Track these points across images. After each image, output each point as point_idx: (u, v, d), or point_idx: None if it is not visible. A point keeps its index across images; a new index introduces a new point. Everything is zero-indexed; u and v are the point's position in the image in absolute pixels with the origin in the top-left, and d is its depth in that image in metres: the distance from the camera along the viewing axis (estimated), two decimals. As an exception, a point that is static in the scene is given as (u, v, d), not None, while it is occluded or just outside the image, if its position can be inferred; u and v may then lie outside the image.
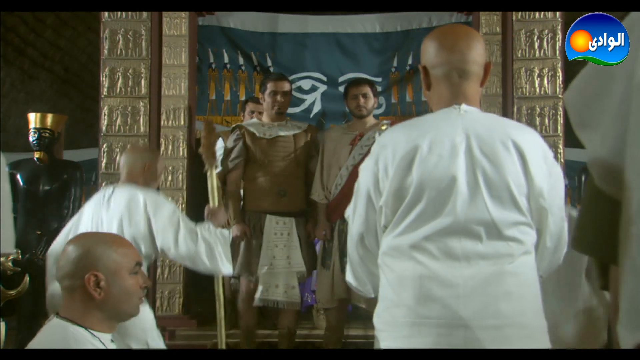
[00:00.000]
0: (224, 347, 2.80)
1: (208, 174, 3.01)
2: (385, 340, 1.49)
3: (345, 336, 3.84)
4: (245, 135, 3.50)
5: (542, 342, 1.47)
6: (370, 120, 3.55)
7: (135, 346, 2.25)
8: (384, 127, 3.35)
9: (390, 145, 1.51)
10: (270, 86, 3.52)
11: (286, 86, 3.58)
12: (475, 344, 1.38)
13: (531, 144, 1.48)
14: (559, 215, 1.51)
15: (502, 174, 1.43)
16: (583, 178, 4.73)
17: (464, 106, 1.51)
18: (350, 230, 1.61)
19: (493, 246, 1.43)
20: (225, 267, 2.53)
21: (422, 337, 1.41)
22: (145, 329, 2.32)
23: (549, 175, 1.49)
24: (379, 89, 5.36)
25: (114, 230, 2.35)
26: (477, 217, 1.43)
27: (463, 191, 1.43)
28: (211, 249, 2.46)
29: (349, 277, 1.65)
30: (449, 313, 1.39)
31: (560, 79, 4.43)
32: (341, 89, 5.42)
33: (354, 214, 1.58)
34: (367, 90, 3.50)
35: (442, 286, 1.41)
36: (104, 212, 2.47)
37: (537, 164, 1.46)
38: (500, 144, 1.45)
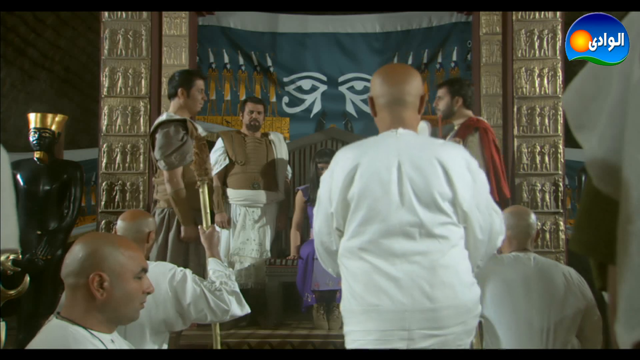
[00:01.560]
0: (219, 347, 2.79)
1: (200, 190, 2.91)
2: (347, 325, 1.85)
3: (344, 336, 3.84)
4: None
5: (473, 319, 1.82)
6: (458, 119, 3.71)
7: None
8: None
9: (340, 162, 1.87)
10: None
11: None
12: (416, 324, 1.72)
13: (454, 158, 1.82)
14: (486, 212, 1.85)
15: (427, 184, 1.76)
16: (583, 178, 4.74)
17: (400, 130, 1.85)
18: (314, 229, 2.01)
19: (425, 244, 1.76)
20: (246, 307, 2.51)
21: (373, 321, 1.75)
22: None
23: (473, 182, 1.82)
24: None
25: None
26: (410, 221, 1.76)
27: (395, 200, 1.76)
28: (238, 296, 2.46)
29: (322, 263, 2.05)
30: (393, 301, 1.73)
31: (560, 79, 4.43)
32: (341, 89, 5.43)
33: (317, 217, 1.94)
34: (440, 92, 3.73)
35: (387, 279, 1.74)
36: None
37: (459, 174, 1.79)
38: (427, 161, 1.79)
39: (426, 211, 1.76)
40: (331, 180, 1.86)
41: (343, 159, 1.86)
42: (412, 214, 1.76)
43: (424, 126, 3.00)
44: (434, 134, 2.85)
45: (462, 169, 1.82)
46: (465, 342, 1.83)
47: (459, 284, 1.78)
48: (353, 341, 1.83)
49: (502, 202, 3.62)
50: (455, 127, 3.76)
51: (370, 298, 1.76)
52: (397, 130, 1.86)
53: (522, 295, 2.36)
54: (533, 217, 2.56)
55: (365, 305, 1.76)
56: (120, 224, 2.44)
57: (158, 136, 3.53)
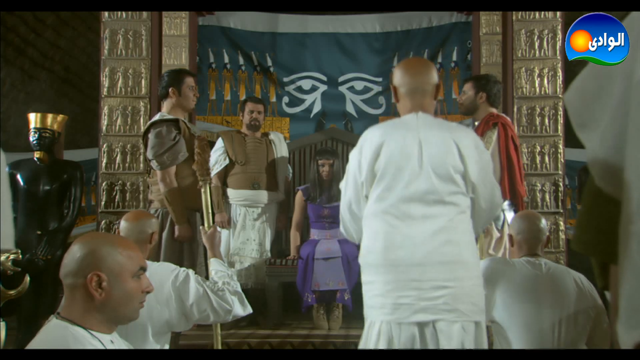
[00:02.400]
0: (219, 347, 2.79)
1: (202, 190, 2.91)
2: (366, 275, 2.15)
3: (344, 336, 3.85)
4: None
5: (475, 272, 2.12)
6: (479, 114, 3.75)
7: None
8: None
9: (368, 139, 2.18)
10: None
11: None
12: (427, 276, 2.01)
13: (465, 138, 2.16)
14: (489, 185, 2.19)
15: (443, 159, 2.10)
16: (583, 178, 4.74)
17: (420, 113, 2.18)
18: (343, 199, 2.26)
19: (438, 209, 2.08)
20: (248, 307, 2.51)
21: (390, 273, 2.05)
22: None
23: (480, 160, 2.16)
24: (379, 89, 5.38)
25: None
26: (426, 189, 2.08)
27: (415, 171, 2.09)
28: (240, 296, 2.46)
29: (341, 229, 2.33)
30: (408, 255, 2.04)
31: (561, 79, 4.43)
32: (341, 89, 5.43)
33: (345, 188, 2.24)
34: (465, 86, 3.80)
35: (403, 237, 2.06)
36: None
37: (469, 152, 2.12)
38: (443, 139, 2.12)
39: (440, 181, 2.08)
40: (360, 155, 2.17)
41: (371, 137, 2.18)
42: (429, 183, 2.08)
43: None
44: None
45: (472, 148, 2.15)
46: (478, 305, 2.06)
47: (463, 243, 2.09)
48: (370, 290, 2.12)
49: (516, 201, 3.60)
50: (476, 123, 3.75)
51: (388, 253, 2.07)
52: (418, 113, 2.19)
53: (533, 300, 2.35)
54: (544, 221, 2.55)
55: (384, 260, 2.07)
56: (123, 224, 2.44)
57: (150, 136, 3.53)
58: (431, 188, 2.08)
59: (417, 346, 2.00)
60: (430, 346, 1.99)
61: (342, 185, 2.27)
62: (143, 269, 1.61)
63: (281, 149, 4.48)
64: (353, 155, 2.23)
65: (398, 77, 2.25)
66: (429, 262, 2.03)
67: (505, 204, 3.55)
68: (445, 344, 1.98)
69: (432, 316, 2.00)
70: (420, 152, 2.10)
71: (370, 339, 2.07)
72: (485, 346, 2.11)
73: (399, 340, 2.01)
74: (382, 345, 2.04)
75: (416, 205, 2.08)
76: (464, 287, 2.04)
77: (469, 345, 2.01)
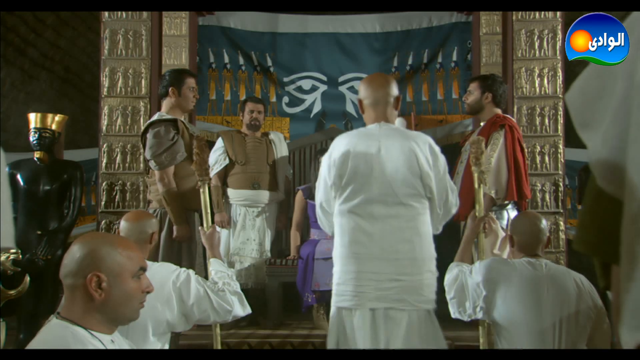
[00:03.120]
0: (219, 347, 2.79)
1: (201, 190, 2.90)
2: (335, 266, 2.45)
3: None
4: None
5: (427, 267, 2.39)
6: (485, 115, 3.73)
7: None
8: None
9: (336, 147, 2.46)
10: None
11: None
12: (384, 269, 2.31)
13: (422, 145, 2.39)
14: (444, 190, 2.43)
15: (401, 165, 2.35)
16: (584, 178, 4.74)
17: (382, 123, 2.46)
18: (316, 198, 2.60)
19: (397, 210, 2.36)
20: (247, 308, 2.52)
21: (353, 265, 2.35)
22: None
23: (435, 165, 2.40)
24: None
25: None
26: (386, 192, 2.34)
27: (377, 176, 2.35)
28: (240, 296, 2.46)
29: (321, 225, 2.63)
30: (368, 250, 2.34)
31: (561, 79, 4.43)
32: (341, 89, 5.43)
33: (317, 189, 2.56)
34: (471, 86, 3.78)
35: (365, 234, 2.35)
36: None
37: (425, 158, 2.37)
38: (401, 147, 2.37)
39: (399, 185, 2.35)
40: (329, 160, 2.46)
41: (339, 144, 2.46)
42: (389, 187, 2.35)
43: (399, 122, 3.02)
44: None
45: (427, 154, 2.40)
46: (426, 296, 2.35)
47: (418, 241, 2.37)
48: (336, 279, 2.42)
49: (521, 202, 3.60)
50: (481, 124, 3.74)
51: (353, 247, 2.37)
52: (380, 123, 2.46)
53: (534, 300, 2.35)
54: (544, 222, 2.55)
55: (349, 252, 2.37)
56: (123, 224, 2.44)
57: (148, 136, 3.53)
58: (390, 191, 2.35)
59: (369, 329, 2.29)
60: (381, 330, 2.29)
61: (316, 186, 2.60)
62: (143, 269, 1.61)
63: (281, 149, 4.48)
64: (324, 160, 2.52)
65: (362, 91, 2.53)
66: (385, 258, 2.33)
67: (510, 204, 3.55)
68: (394, 329, 2.29)
69: (384, 304, 2.30)
70: (379, 158, 2.37)
71: (333, 324, 2.38)
72: (438, 331, 2.38)
73: (356, 323, 2.31)
74: (341, 329, 2.35)
75: (378, 206, 2.36)
76: (414, 280, 2.34)
77: (417, 330, 2.30)
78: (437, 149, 2.45)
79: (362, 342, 2.28)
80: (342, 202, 2.41)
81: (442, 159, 2.46)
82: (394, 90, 2.51)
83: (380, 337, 2.28)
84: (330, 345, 2.36)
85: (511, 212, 3.47)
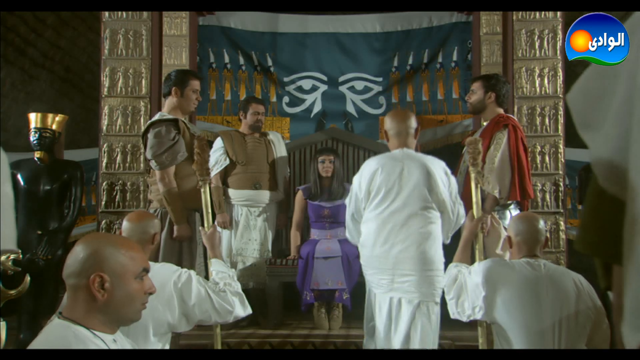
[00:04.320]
0: (219, 347, 2.79)
1: (202, 190, 2.90)
2: (362, 261, 3.04)
3: (345, 336, 3.85)
4: None
5: (436, 266, 2.89)
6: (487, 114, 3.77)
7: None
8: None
9: (366, 167, 3.05)
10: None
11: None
12: (398, 266, 2.86)
13: (436, 167, 2.97)
14: (455, 203, 2.99)
15: (418, 182, 2.91)
16: (584, 178, 4.73)
17: (404, 149, 3.03)
18: (347, 210, 3.13)
19: (414, 219, 2.90)
20: (248, 308, 2.52)
21: (374, 262, 2.93)
22: None
23: (448, 183, 2.98)
24: (380, 89, 5.37)
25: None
26: (406, 204, 2.90)
27: (399, 191, 2.92)
28: (241, 297, 2.46)
29: (347, 234, 3.20)
30: (388, 251, 2.89)
31: (561, 78, 4.43)
32: (341, 88, 5.42)
33: (349, 203, 3.11)
34: (474, 85, 3.83)
35: (385, 238, 2.90)
36: None
37: (438, 177, 2.94)
38: (419, 168, 2.94)
39: (416, 199, 2.91)
40: (360, 177, 3.03)
41: (369, 165, 3.04)
42: (408, 200, 2.91)
43: None
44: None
45: (441, 173, 2.97)
46: (433, 291, 2.85)
47: (428, 246, 2.88)
48: (365, 271, 3.02)
49: (525, 202, 3.60)
50: (484, 123, 3.73)
51: (375, 249, 2.93)
52: (403, 149, 3.04)
53: (533, 301, 2.35)
54: (542, 222, 2.55)
55: (372, 252, 2.95)
56: (125, 224, 2.44)
57: (149, 136, 3.53)
58: (409, 203, 2.90)
59: (386, 312, 2.88)
60: (396, 314, 2.87)
61: (347, 200, 3.14)
62: (146, 270, 1.61)
63: (280, 149, 4.48)
64: (355, 178, 3.08)
65: (387, 123, 3.13)
66: (401, 257, 2.86)
67: (513, 204, 3.55)
68: (405, 313, 2.83)
69: (399, 294, 2.86)
70: (401, 177, 2.93)
71: (369, 300, 3.03)
72: (437, 320, 2.88)
73: (380, 305, 2.92)
74: (372, 304, 2.98)
75: (398, 215, 2.90)
76: (424, 277, 2.85)
77: (423, 316, 2.82)
78: (449, 171, 3.03)
79: (380, 322, 2.91)
80: (370, 211, 2.97)
81: (453, 179, 3.03)
82: (414, 123, 3.10)
83: (392, 320, 2.87)
84: (368, 313, 3.04)
85: (514, 212, 3.46)
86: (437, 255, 2.90)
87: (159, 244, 3.33)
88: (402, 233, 2.86)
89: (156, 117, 3.65)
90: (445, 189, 2.93)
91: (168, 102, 3.65)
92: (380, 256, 2.90)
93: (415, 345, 2.80)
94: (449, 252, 2.94)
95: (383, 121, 3.26)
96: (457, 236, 3.07)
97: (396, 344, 2.83)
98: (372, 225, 2.94)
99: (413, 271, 2.83)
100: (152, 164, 3.53)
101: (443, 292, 2.78)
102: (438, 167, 2.97)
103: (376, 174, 2.94)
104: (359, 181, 3.01)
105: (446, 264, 2.87)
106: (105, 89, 4.53)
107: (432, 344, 2.85)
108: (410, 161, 2.96)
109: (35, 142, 4.21)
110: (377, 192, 2.93)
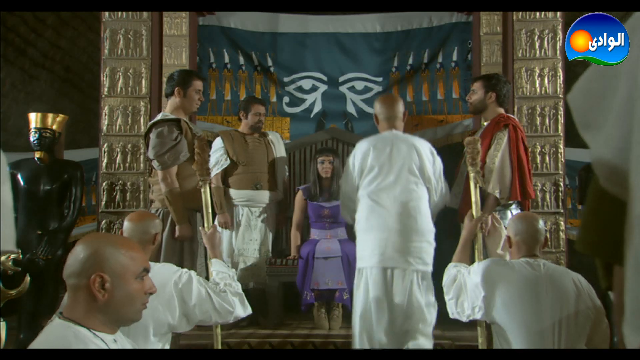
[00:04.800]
0: (219, 347, 2.79)
1: (202, 190, 2.90)
2: (357, 236, 3.27)
3: (345, 336, 3.85)
4: None
5: (426, 237, 3.17)
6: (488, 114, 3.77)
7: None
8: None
9: (359, 147, 3.33)
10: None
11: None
12: (392, 237, 3.10)
13: (423, 146, 3.28)
14: (439, 180, 3.29)
15: (407, 160, 3.21)
16: (584, 178, 4.73)
17: (393, 131, 3.34)
18: (342, 189, 3.43)
19: (404, 193, 3.18)
20: (248, 308, 2.52)
21: (368, 235, 3.17)
22: None
23: (433, 161, 3.28)
24: (380, 89, 5.37)
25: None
26: (396, 180, 3.19)
27: (389, 168, 3.20)
28: (241, 297, 2.46)
29: (342, 213, 3.55)
30: (381, 224, 3.14)
31: (561, 78, 4.43)
32: (341, 88, 5.42)
33: (344, 182, 3.38)
34: (475, 85, 3.82)
35: (378, 212, 3.16)
36: None
37: (425, 155, 3.25)
38: (407, 146, 3.25)
39: (406, 175, 3.20)
40: (354, 158, 3.31)
41: (361, 146, 3.32)
42: (398, 177, 3.19)
43: None
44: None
45: (427, 152, 3.28)
46: (424, 260, 3.12)
47: (419, 218, 3.16)
48: (358, 246, 3.25)
49: (525, 202, 3.59)
50: (484, 123, 3.73)
51: (368, 222, 3.19)
52: (392, 131, 3.34)
53: (533, 301, 2.35)
54: (541, 222, 2.55)
55: (366, 225, 3.21)
56: (127, 224, 2.44)
57: (152, 136, 3.54)
58: (399, 180, 3.19)
59: (382, 284, 3.08)
60: (390, 284, 3.08)
61: (341, 181, 3.44)
62: (146, 270, 1.61)
63: (280, 149, 4.48)
64: (349, 158, 3.35)
65: (377, 108, 3.44)
66: (393, 229, 3.11)
67: (514, 204, 3.55)
68: (399, 283, 3.07)
69: (392, 264, 3.09)
70: (391, 155, 3.22)
71: (360, 282, 3.16)
72: (430, 288, 3.13)
73: (372, 279, 3.10)
74: (363, 285, 3.13)
75: (389, 191, 3.18)
76: (415, 247, 3.12)
77: (414, 285, 3.08)
78: (434, 151, 3.32)
79: (375, 293, 3.08)
80: (363, 188, 3.23)
81: (438, 159, 3.31)
82: (402, 107, 3.42)
83: (389, 289, 3.08)
84: (359, 299, 3.15)
85: (515, 212, 3.46)
86: (427, 227, 3.18)
87: (160, 244, 3.33)
88: (393, 207, 3.13)
89: (158, 117, 3.65)
90: (430, 166, 3.23)
91: (170, 102, 3.65)
92: (373, 229, 3.14)
93: (414, 311, 3.06)
94: (449, 252, 2.94)
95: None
96: (457, 236, 3.07)
97: (395, 312, 3.06)
98: (365, 201, 3.20)
99: (404, 242, 3.10)
100: (154, 164, 3.53)
101: (443, 292, 2.77)
102: (425, 146, 3.29)
103: (368, 153, 3.23)
104: (352, 161, 3.30)
105: (446, 264, 2.86)
106: (105, 89, 4.53)
107: (428, 309, 3.08)
108: (399, 141, 3.26)
109: (35, 142, 4.21)
110: (370, 169, 3.21)
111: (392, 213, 3.12)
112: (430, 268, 3.14)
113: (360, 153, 3.26)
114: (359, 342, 3.13)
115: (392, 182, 3.16)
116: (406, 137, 3.33)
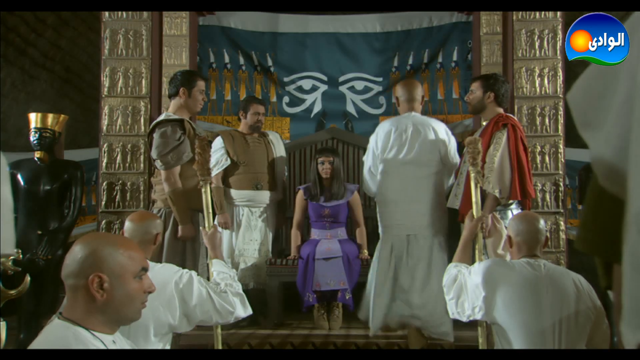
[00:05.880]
0: (219, 347, 2.79)
1: (202, 190, 2.89)
2: (378, 207, 3.79)
3: (345, 336, 3.85)
4: None
5: (442, 209, 3.67)
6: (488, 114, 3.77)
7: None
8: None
9: (381, 127, 3.78)
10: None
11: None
12: (412, 208, 3.60)
13: (440, 127, 3.73)
14: (453, 158, 3.72)
15: (425, 138, 3.63)
16: (584, 178, 4.73)
17: (413, 112, 3.73)
18: (365, 165, 3.81)
19: (422, 169, 3.62)
20: (249, 309, 2.52)
21: (389, 206, 3.68)
22: None
23: (448, 141, 3.71)
24: (380, 89, 5.38)
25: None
26: (415, 157, 3.61)
27: (409, 146, 3.62)
28: (242, 297, 2.46)
29: (365, 187, 3.88)
30: (401, 196, 3.61)
31: (561, 78, 4.43)
32: (341, 88, 5.43)
33: (367, 159, 3.79)
34: (473, 85, 3.81)
35: (399, 185, 3.63)
36: None
37: (442, 136, 3.68)
38: (425, 126, 3.67)
39: (424, 152, 3.62)
40: (376, 136, 3.73)
41: (383, 126, 3.76)
42: (416, 153, 3.61)
43: None
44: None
45: (443, 133, 3.71)
46: (439, 228, 3.63)
47: (435, 190, 3.65)
48: (381, 216, 3.75)
49: (526, 201, 3.59)
50: (484, 123, 3.73)
51: (389, 194, 3.67)
52: (411, 112, 3.73)
53: (533, 301, 2.34)
54: (542, 222, 2.54)
55: (387, 197, 3.69)
56: (128, 225, 2.44)
57: (155, 136, 3.54)
58: (417, 156, 3.61)
59: (405, 249, 3.56)
60: (412, 248, 3.56)
61: (365, 157, 3.84)
62: (145, 269, 1.61)
63: (279, 149, 4.48)
64: (372, 137, 3.77)
65: (399, 90, 3.81)
66: (412, 200, 3.59)
67: (514, 204, 3.55)
68: (419, 247, 3.55)
69: (413, 231, 3.59)
70: (411, 134, 3.61)
71: (384, 248, 3.62)
72: (444, 251, 3.53)
73: (396, 244, 3.58)
74: (387, 249, 3.59)
75: (408, 166, 3.60)
76: (432, 215, 3.61)
77: (434, 248, 3.54)
78: (449, 131, 3.78)
79: (399, 254, 3.56)
80: (384, 164, 3.66)
81: (453, 138, 3.77)
82: (421, 91, 3.80)
83: (410, 253, 3.55)
84: (385, 251, 3.60)
85: (515, 212, 3.45)
86: (441, 198, 3.66)
87: (161, 244, 3.33)
88: (412, 180, 3.58)
89: (162, 117, 3.65)
90: (446, 145, 3.67)
91: (174, 103, 3.65)
92: (394, 200, 3.62)
93: (432, 275, 3.45)
94: (449, 252, 2.94)
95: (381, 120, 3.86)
96: (457, 236, 3.07)
97: (417, 275, 3.50)
98: (386, 176, 3.67)
99: (424, 211, 3.59)
100: (158, 163, 3.53)
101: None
102: (441, 127, 3.74)
103: (390, 133, 3.64)
104: (375, 140, 3.72)
105: (446, 264, 2.86)
106: (105, 89, 4.53)
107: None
108: (418, 122, 3.67)
109: (35, 142, 4.20)
110: (391, 147, 3.63)
111: (411, 187, 3.58)
112: (445, 236, 3.63)
113: (383, 133, 3.67)
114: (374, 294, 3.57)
115: (411, 159, 3.58)
116: (424, 118, 3.75)
